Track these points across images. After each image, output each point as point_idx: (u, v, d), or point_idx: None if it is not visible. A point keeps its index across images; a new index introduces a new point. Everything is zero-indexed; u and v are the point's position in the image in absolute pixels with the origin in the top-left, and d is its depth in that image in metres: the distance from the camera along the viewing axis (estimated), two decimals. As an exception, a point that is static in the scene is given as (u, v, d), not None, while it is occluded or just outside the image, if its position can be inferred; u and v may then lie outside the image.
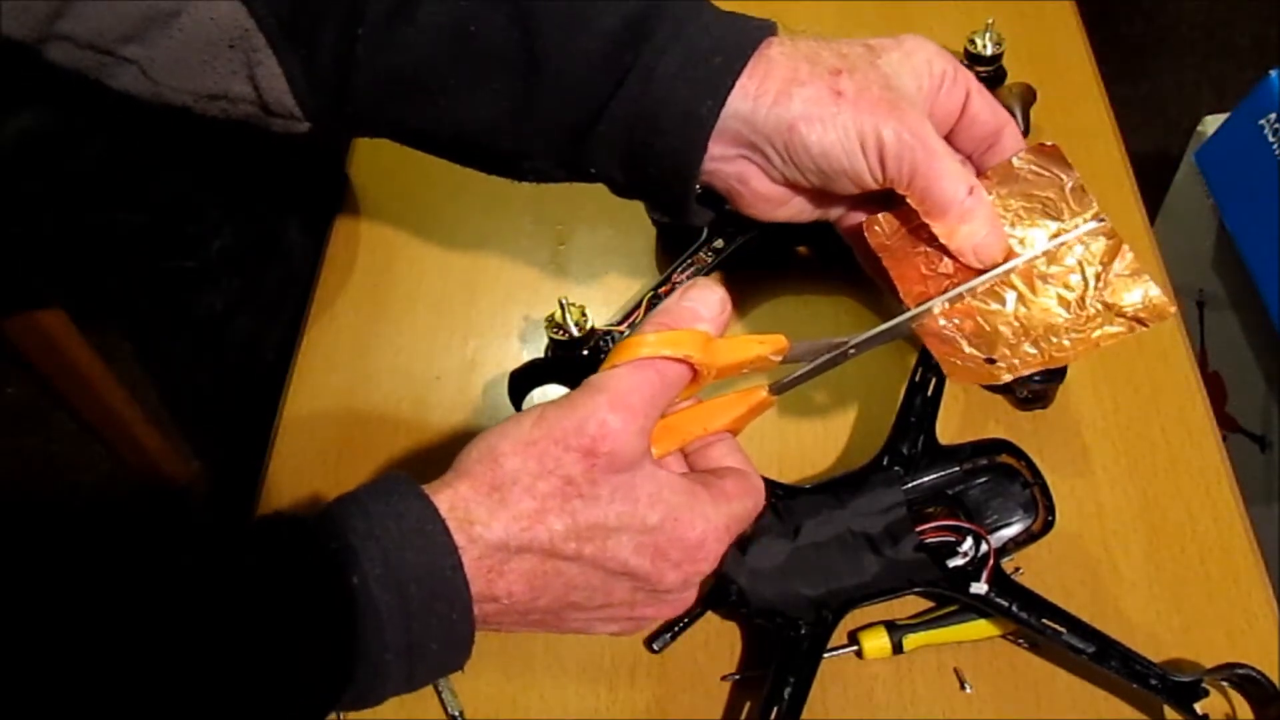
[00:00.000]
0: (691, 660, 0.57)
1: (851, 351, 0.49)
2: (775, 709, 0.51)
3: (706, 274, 0.66)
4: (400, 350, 0.70)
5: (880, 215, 0.52)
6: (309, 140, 0.55)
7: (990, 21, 0.74)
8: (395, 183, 0.78)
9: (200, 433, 1.16)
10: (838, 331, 0.50)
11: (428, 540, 0.40)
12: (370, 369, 0.69)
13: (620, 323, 0.63)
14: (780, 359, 0.47)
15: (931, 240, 0.50)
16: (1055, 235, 0.50)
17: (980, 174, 0.51)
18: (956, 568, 0.55)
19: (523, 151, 0.51)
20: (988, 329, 0.49)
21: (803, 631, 0.53)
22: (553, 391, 0.63)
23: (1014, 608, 0.54)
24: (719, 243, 0.66)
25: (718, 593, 0.54)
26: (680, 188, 0.49)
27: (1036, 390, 0.63)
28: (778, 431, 0.64)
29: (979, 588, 0.54)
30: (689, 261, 0.66)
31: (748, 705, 0.55)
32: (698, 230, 0.66)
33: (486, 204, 0.76)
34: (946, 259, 0.50)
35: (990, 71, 0.75)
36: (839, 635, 0.55)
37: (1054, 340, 0.49)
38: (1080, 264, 0.50)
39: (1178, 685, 0.52)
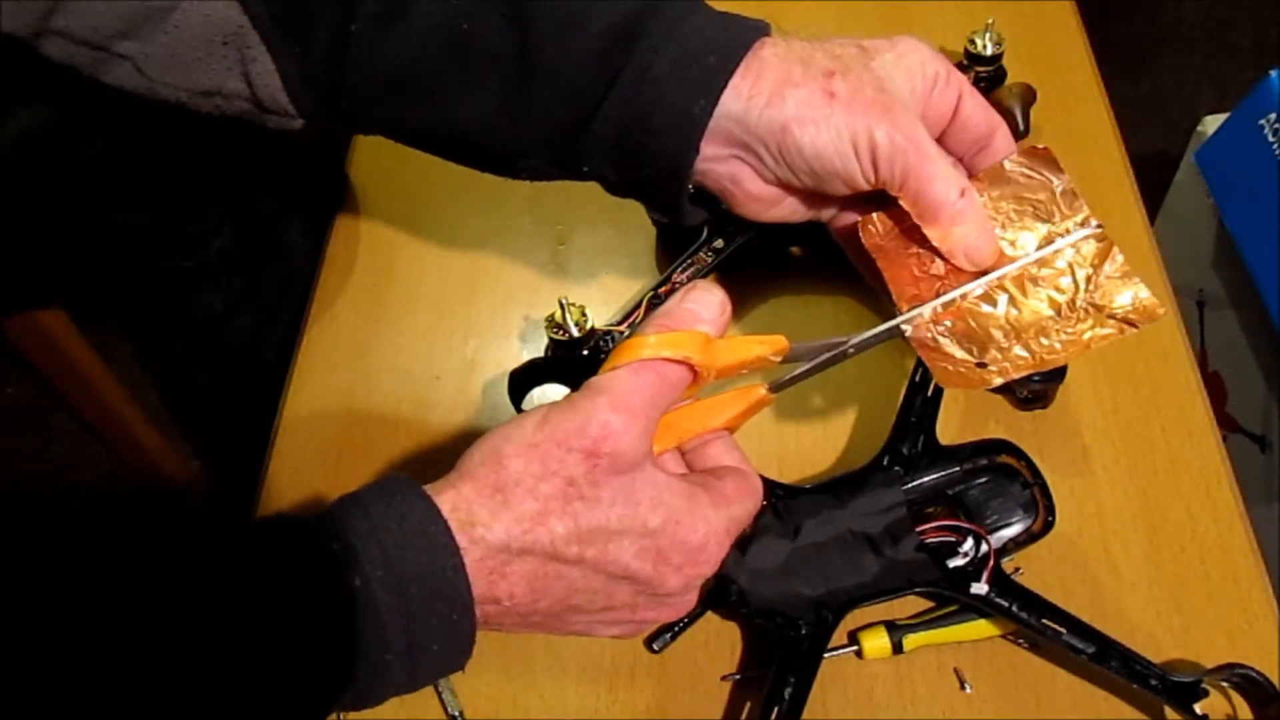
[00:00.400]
0: (691, 660, 0.57)
1: (851, 351, 0.49)
2: (775, 709, 0.51)
3: (706, 274, 0.66)
4: (400, 350, 0.70)
5: (874, 215, 0.52)
6: (307, 139, 0.55)
7: (990, 21, 0.74)
8: (395, 183, 0.78)
9: (200, 433, 1.16)
10: (837, 331, 0.50)
11: (429, 541, 0.40)
12: (370, 369, 0.69)
13: (620, 323, 0.63)
14: (780, 359, 0.47)
15: (924, 241, 0.50)
16: (1046, 238, 0.50)
17: (971, 176, 0.51)
18: (956, 568, 0.55)
19: (516, 150, 0.51)
20: (979, 332, 0.49)
21: (803, 631, 0.53)
22: (553, 391, 0.63)
23: (1014, 608, 0.54)
24: (719, 243, 0.66)
25: (718, 593, 0.54)
26: (673, 187, 0.49)
27: (1036, 390, 0.63)
28: (778, 431, 0.64)
29: (979, 588, 0.54)
30: (689, 261, 0.66)
31: (748, 705, 0.55)
32: (697, 230, 0.66)
33: (486, 204, 0.76)
34: (938, 260, 0.50)
35: (990, 71, 0.75)
36: (839, 635, 0.55)
37: (1045, 342, 0.49)
38: (1071, 266, 0.50)
39: (1178, 685, 0.52)
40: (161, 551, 0.40)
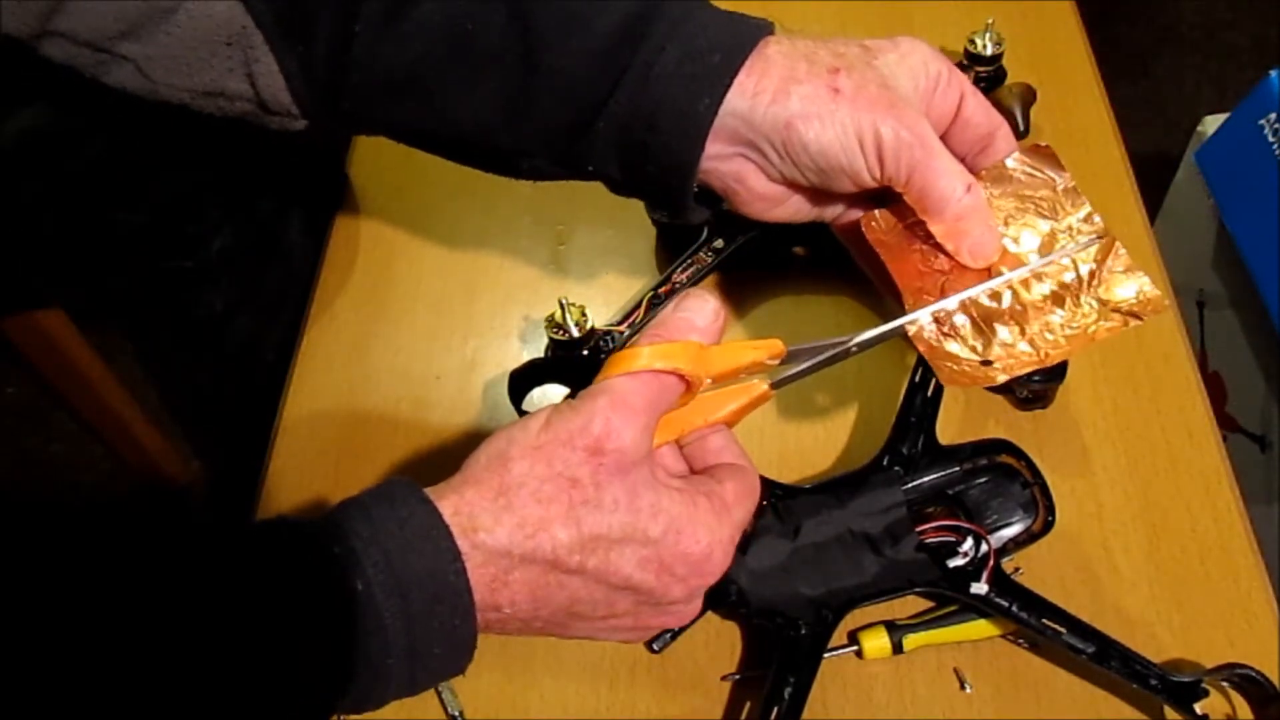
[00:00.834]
0: (691, 660, 0.57)
1: (854, 350, 0.49)
2: (775, 709, 0.51)
3: (706, 274, 0.66)
4: (400, 350, 0.70)
5: (877, 212, 0.52)
6: (308, 139, 0.55)
7: (990, 21, 0.74)
8: (395, 183, 0.78)
9: (200, 433, 1.16)
10: (838, 332, 0.50)
11: (431, 545, 0.40)
12: (370, 369, 0.69)
13: (620, 323, 0.63)
14: (776, 363, 0.47)
15: (927, 238, 0.50)
16: (1049, 235, 0.51)
17: (974, 175, 0.51)
18: (956, 568, 0.55)
19: (520, 150, 0.51)
20: (984, 329, 0.49)
21: (803, 631, 0.53)
22: (553, 391, 0.63)
23: (1014, 608, 0.54)
24: (719, 243, 0.66)
25: (718, 593, 0.54)
26: (678, 186, 0.49)
27: (1036, 390, 0.63)
28: (778, 431, 0.64)
29: (979, 588, 0.54)
30: (689, 261, 0.66)
31: (748, 705, 0.55)
32: (698, 230, 0.66)
33: (486, 204, 0.76)
34: (942, 256, 0.51)
35: (990, 71, 0.75)
36: (839, 635, 0.55)
37: (1049, 338, 0.49)
38: (1074, 261, 0.50)
39: (1178, 685, 0.52)
40: (162, 553, 0.40)
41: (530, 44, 0.48)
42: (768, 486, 0.56)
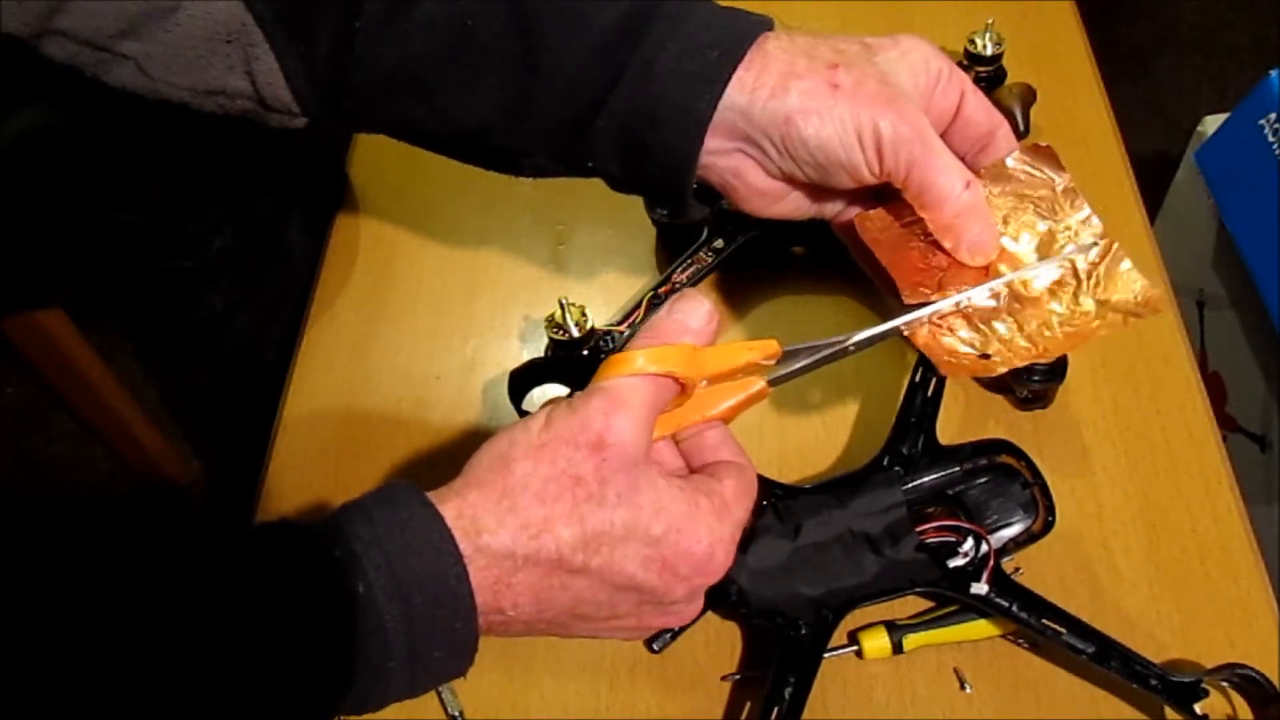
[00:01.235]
0: (691, 660, 0.57)
1: (851, 349, 0.49)
2: (775, 709, 0.51)
3: (706, 274, 0.66)
4: (400, 350, 0.70)
5: (873, 210, 0.52)
6: (308, 138, 0.55)
7: (990, 21, 0.74)
8: (395, 182, 0.78)
9: (200, 433, 1.16)
10: (838, 331, 0.49)
11: (433, 549, 0.40)
12: (370, 369, 0.69)
13: (620, 323, 0.63)
14: (773, 363, 0.47)
15: (925, 235, 0.50)
16: (1048, 234, 0.51)
17: (973, 174, 0.51)
18: (956, 568, 0.55)
19: (520, 147, 0.51)
20: (982, 325, 0.49)
21: (803, 631, 0.53)
22: (553, 391, 0.63)
23: (1014, 608, 0.54)
24: (719, 243, 0.66)
25: (718, 593, 0.54)
26: (678, 182, 0.49)
27: (1036, 390, 0.63)
28: (778, 431, 0.64)
29: (979, 588, 0.54)
30: (689, 261, 0.66)
31: (748, 705, 0.55)
32: (698, 230, 0.66)
33: (486, 204, 0.76)
34: (940, 254, 0.50)
35: (990, 71, 0.75)
36: (839, 635, 0.55)
37: (1048, 334, 0.49)
38: (1072, 262, 0.50)
39: (1178, 685, 0.52)
40: (164, 555, 0.40)
41: (530, 42, 0.48)
42: (768, 486, 0.56)
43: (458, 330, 0.70)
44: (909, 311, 0.50)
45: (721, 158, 0.49)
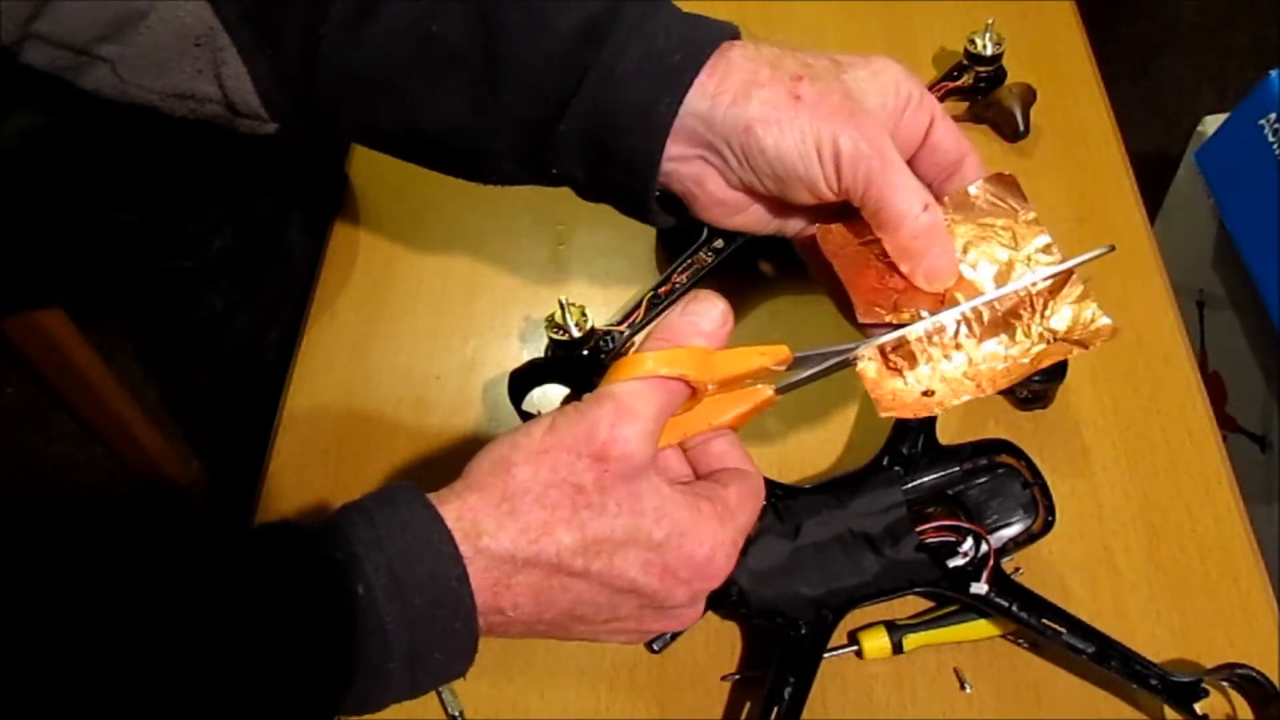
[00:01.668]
0: (691, 660, 0.57)
1: (854, 359, 0.49)
2: (775, 709, 0.51)
3: (706, 274, 0.66)
4: (400, 350, 0.70)
5: (834, 225, 0.51)
6: (283, 141, 0.55)
7: (990, 21, 0.74)
8: (395, 182, 0.78)
9: (200, 433, 1.16)
10: (841, 333, 0.49)
11: (433, 550, 0.39)
12: (370, 369, 0.69)
13: (620, 323, 0.63)
14: (783, 369, 0.47)
15: (883, 256, 0.49)
16: (1007, 264, 0.49)
17: (937, 201, 0.50)
18: (956, 568, 0.56)
19: (485, 151, 0.51)
20: (930, 358, 0.49)
21: (803, 631, 0.53)
22: (553, 391, 0.63)
23: (1014, 608, 0.54)
24: (719, 243, 0.66)
25: (718, 594, 0.54)
26: (640, 188, 0.49)
27: (1036, 390, 0.63)
28: (778, 431, 0.64)
29: (979, 588, 0.54)
30: (689, 261, 0.66)
31: (748, 705, 0.55)
32: (698, 230, 0.66)
33: (486, 204, 0.76)
34: (896, 276, 0.49)
35: (990, 71, 0.75)
36: (839, 635, 0.55)
37: (994, 367, 0.48)
38: (1028, 289, 0.49)
39: (1178, 685, 0.52)
40: (164, 556, 0.40)
41: (494, 45, 0.48)
42: (768, 487, 0.56)
43: (458, 330, 0.70)
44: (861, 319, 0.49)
45: (683, 164, 0.49)
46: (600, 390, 0.43)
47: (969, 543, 0.56)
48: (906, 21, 0.84)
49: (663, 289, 0.65)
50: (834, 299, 0.52)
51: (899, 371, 0.48)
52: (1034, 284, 0.49)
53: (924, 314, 0.48)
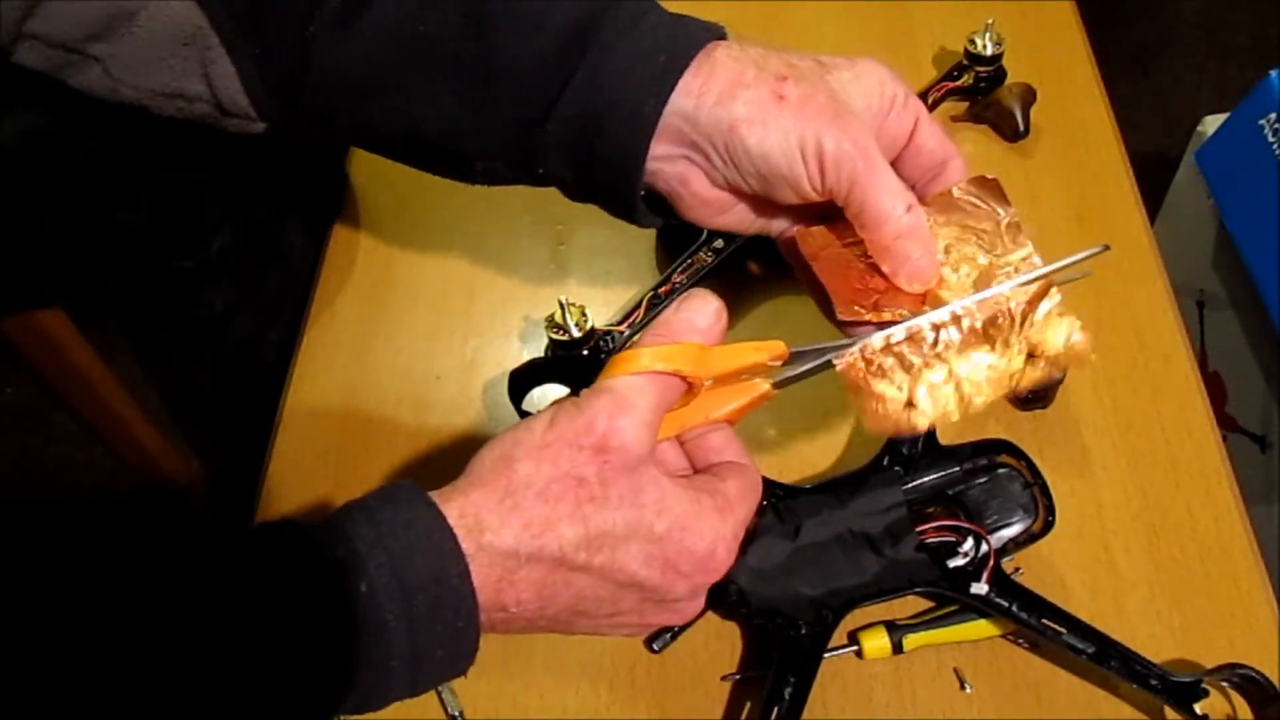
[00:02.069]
0: (691, 660, 0.57)
1: (856, 353, 0.48)
2: (775, 709, 0.51)
3: (706, 274, 0.66)
4: (400, 350, 0.70)
5: (815, 228, 0.51)
6: (271, 141, 0.55)
7: (990, 21, 0.74)
8: (395, 182, 0.78)
9: (200, 433, 1.16)
10: (838, 333, 0.49)
11: (435, 548, 0.40)
12: (370, 369, 0.69)
13: (620, 323, 0.63)
14: (779, 364, 0.47)
15: (864, 258, 0.49)
16: (987, 269, 0.49)
17: (920, 202, 0.49)
18: (957, 568, 0.56)
19: (474, 151, 0.51)
20: (912, 368, 0.48)
21: (803, 631, 0.53)
22: (553, 391, 0.63)
23: (1014, 608, 0.54)
24: (719, 243, 0.66)
25: (718, 593, 0.54)
26: (625, 188, 0.49)
27: (1036, 390, 0.63)
28: (778, 431, 0.64)
29: (979, 588, 0.54)
30: (689, 261, 0.66)
31: (748, 705, 0.55)
32: (698, 230, 0.66)
33: (486, 204, 0.76)
34: (878, 277, 0.49)
35: (990, 71, 0.75)
36: (839, 635, 0.55)
37: (976, 381, 0.48)
38: (1007, 299, 0.48)
39: (1178, 685, 0.52)
40: (164, 555, 0.40)
41: (481, 46, 0.48)
42: (768, 486, 0.56)
43: (458, 330, 0.71)
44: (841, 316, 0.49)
45: (668, 164, 0.49)
46: (598, 385, 0.43)
47: (969, 543, 0.56)
48: (906, 21, 0.84)
49: (663, 289, 0.65)
50: (816, 299, 0.52)
51: (882, 377, 0.48)
52: (1010, 293, 0.48)
53: (905, 313, 0.48)
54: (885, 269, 0.49)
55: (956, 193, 0.50)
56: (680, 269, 0.66)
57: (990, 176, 0.50)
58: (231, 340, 0.87)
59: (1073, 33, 0.84)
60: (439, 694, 0.56)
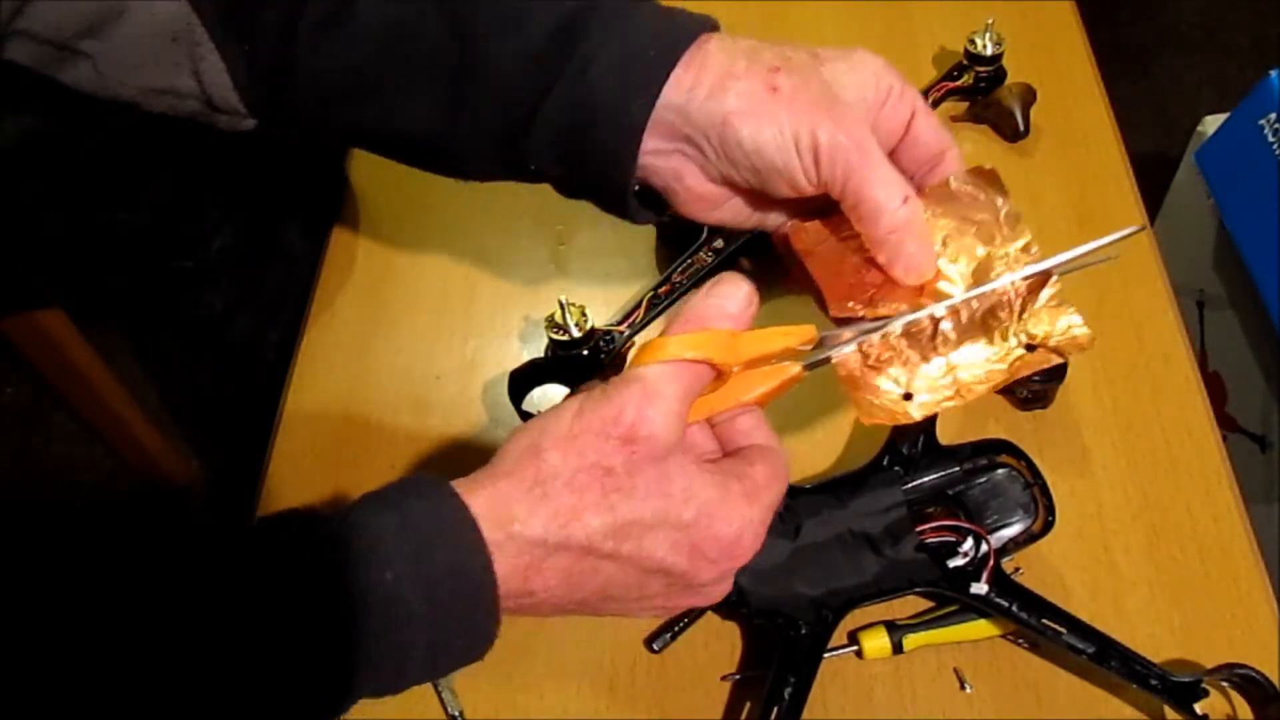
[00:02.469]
0: (691, 660, 0.57)
1: (894, 332, 0.48)
2: (775, 709, 0.51)
3: (706, 274, 0.66)
4: (400, 350, 0.70)
5: (808, 223, 0.50)
6: (265, 139, 0.55)
7: (990, 21, 0.74)
8: (395, 182, 0.78)
9: (200, 433, 1.16)
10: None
11: (459, 540, 0.40)
12: (370, 369, 0.69)
13: (620, 323, 0.63)
14: (809, 349, 0.47)
15: (860, 252, 0.49)
16: (985, 259, 0.49)
17: (918, 193, 0.49)
18: (957, 568, 0.56)
19: (462, 151, 0.51)
20: (910, 359, 0.48)
21: (803, 631, 0.53)
22: (553, 391, 0.63)
23: (1014, 608, 0.54)
24: (719, 242, 0.66)
25: (718, 593, 0.54)
26: (618, 185, 0.49)
27: (1036, 390, 0.63)
28: (778, 431, 0.64)
29: (979, 588, 0.54)
30: (689, 262, 0.66)
31: (748, 705, 0.55)
32: (698, 230, 0.66)
33: (486, 204, 0.76)
34: (874, 271, 0.49)
35: (990, 71, 0.75)
36: (839, 635, 0.55)
37: (973, 373, 0.48)
38: (1006, 291, 0.48)
39: (1178, 685, 0.52)
40: (177, 548, 0.40)
41: (467, 46, 0.48)
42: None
43: (458, 330, 0.71)
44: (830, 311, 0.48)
45: (661, 159, 0.49)
46: (627, 373, 0.43)
47: (969, 543, 0.56)
48: (906, 21, 0.84)
49: (663, 289, 0.65)
50: (813, 295, 0.52)
51: (879, 370, 0.48)
52: (1012, 283, 0.48)
53: (901, 307, 0.48)
54: (882, 262, 0.48)
55: (954, 183, 0.50)
56: (680, 269, 0.66)
57: (989, 167, 0.50)
58: (231, 340, 0.87)
59: (1073, 33, 0.84)
60: (439, 694, 0.56)
